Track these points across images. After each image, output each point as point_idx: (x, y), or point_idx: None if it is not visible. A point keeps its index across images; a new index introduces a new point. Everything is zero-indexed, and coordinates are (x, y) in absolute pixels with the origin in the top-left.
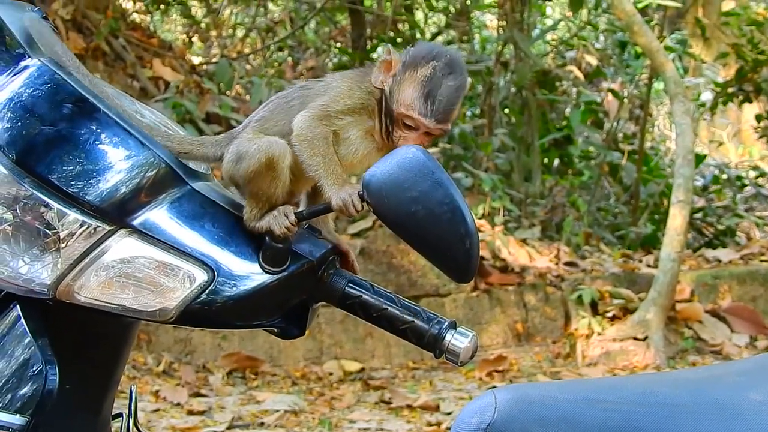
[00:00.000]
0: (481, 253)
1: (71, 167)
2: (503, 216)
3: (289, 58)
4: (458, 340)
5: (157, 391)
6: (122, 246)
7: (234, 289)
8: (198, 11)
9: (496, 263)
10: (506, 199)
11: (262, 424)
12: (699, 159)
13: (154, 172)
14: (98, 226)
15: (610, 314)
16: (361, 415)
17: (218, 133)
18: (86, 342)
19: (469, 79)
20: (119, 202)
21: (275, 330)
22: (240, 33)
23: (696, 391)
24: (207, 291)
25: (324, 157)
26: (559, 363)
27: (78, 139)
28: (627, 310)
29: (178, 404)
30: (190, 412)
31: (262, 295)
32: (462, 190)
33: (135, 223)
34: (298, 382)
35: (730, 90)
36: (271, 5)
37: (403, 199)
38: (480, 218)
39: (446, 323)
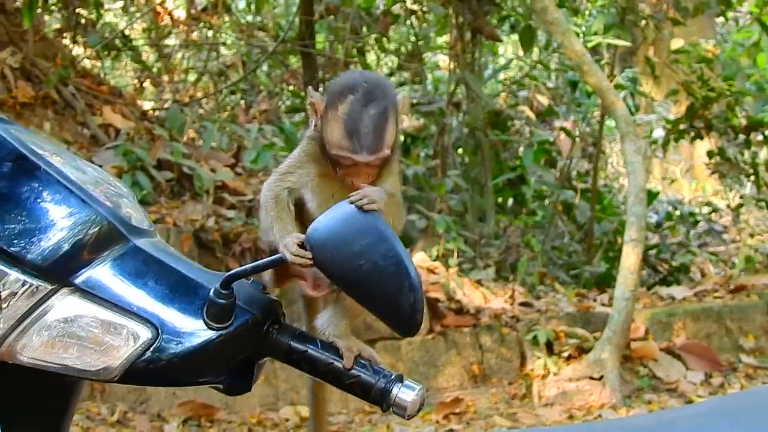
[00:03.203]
0: (436, 294)
1: (12, 226)
2: (457, 257)
3: (242, 102)
4: (405, 394)
5: None
6: (65, 305)
7: (179, 346)
8: (149, 56)
9: (451, 305)
10: (460, 241)
11: None
12: (652, 196)
13: (96, 229)
14: (40, 286)
15: (565, 354)
16: None
17: (170, 180)
18: (31, 402)
19: (397, 97)
20: (61, 261)
21: (221, 386)
22: (192, 77)
23: None
24: (151, 349)
25: (275, 217)
26: (516, 404)
27: (18, 197)
28: (582, 350)
29: None
30: None
31: (207, 351)
32: (416, 232)
33: (77, 281)
34: (254, 429)
35: (682, 127)
36: (223, 49)
37: (347, 254)
38: (434, 260)
39: (393, 376)
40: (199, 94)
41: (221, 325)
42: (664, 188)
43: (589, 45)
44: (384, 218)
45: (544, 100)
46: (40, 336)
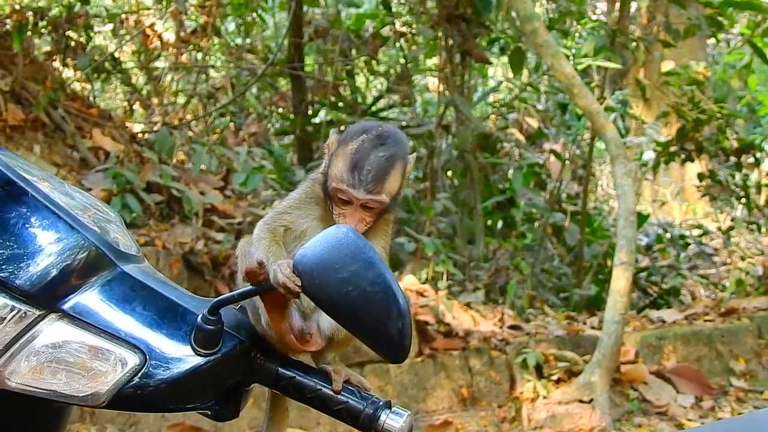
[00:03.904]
0: (425, 317)
1: (0, 251)
2: (447, 280)
3: (231, 124)
4: (393, 420)
5: None
6: (53, 331)
7: (166, 372)
8: (139, 79)
9: (440, 328)
10: (449, 263)
11: None
12: (642, 218)
13: (84, 255)
14: (28, 311)
15: (555, 377)
16: None
17: (159, 203)
18: (19, 427)
19: (409, 155)
20: (49, 287)
21: (209, 412)
22: (181, 100)
23: None
24: (139, 375)
25: (269, 243)
26: (505, 427)
27: (7, 223)
28: (572, 373)
29: None
30: None
31: (194, 377)
32: (405, 254)
33: (65, 307)
34: None
35: (672, 149)
36: (212, 72)
37: (335, 280)
38: (423, 283)
39: (381, 403)
40: (189, 117)
41: (209, 351)
42: (654, 211)
43: (579, 67)
44: None
45: (533, 123)
46: (28, 361)
